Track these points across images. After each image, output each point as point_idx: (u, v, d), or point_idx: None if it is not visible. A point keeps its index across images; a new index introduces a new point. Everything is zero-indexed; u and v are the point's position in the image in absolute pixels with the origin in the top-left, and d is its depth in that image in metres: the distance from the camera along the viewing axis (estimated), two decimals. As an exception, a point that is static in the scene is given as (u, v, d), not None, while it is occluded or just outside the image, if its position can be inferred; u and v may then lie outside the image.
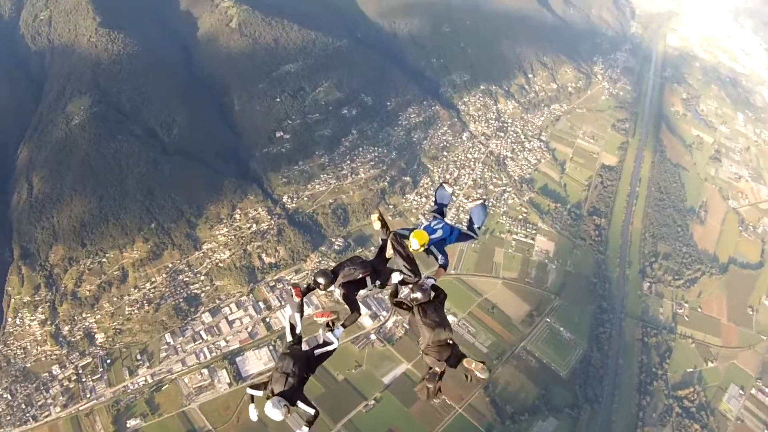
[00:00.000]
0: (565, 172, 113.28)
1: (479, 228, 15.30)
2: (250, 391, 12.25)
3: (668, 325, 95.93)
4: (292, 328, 13.40)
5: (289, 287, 13.16)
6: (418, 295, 12.61)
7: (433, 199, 16.27)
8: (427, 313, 12.51)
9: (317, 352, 13.03)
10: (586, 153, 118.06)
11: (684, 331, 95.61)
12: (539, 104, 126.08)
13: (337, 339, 13.15)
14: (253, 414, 12.36)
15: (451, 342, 12.37)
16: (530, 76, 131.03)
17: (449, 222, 14.75)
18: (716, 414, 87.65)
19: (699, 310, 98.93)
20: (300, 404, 11.89)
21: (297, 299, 13.26)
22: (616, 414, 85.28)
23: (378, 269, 14.08)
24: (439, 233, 14.09)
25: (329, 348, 13.17)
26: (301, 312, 13.59)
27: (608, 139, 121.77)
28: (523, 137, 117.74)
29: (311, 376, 12.71)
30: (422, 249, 13.49)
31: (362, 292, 14.12)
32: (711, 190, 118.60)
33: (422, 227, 14.05)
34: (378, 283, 14.00)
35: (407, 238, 13.51)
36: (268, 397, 11.61)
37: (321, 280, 13.42)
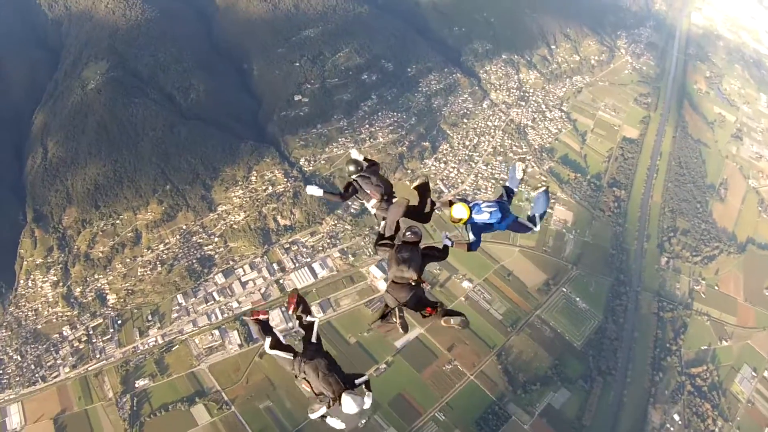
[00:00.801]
0: (585, 143, 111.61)
1: (541, 218, 14.68)
2: (331, 423, 12.37)
3: (684, 301, 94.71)
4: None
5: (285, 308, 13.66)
6: (408, 234, 13.11)
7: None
8: (401, 250, 12.83)
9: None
10: (608, 125, 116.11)
11: (700, 308, 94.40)
12: (561, 75, 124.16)
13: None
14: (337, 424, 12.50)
15: (413, 284, 12.62)
16: (553, 47, 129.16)
17: (507, 208, 14.27)
18: (728, 395, 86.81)
19: (716, 287, 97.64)
20: (357, 381, 12.30)
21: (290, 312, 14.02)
22: (628, 388, 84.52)
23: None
24: (485, 216, 13.77)
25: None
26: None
27: (630, 113, 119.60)
28: (544, 107, 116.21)
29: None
30: (460, 223, 13.76)
31: (368, 205, 14.66)
32: (731, 168, 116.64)
33: (472, 204, 13.86)
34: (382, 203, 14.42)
35: (454, 204, 13.82)
36: (333, 402, 12.03)
37: (352, 167, 14.63)
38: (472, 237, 13.93)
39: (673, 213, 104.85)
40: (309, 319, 13.89)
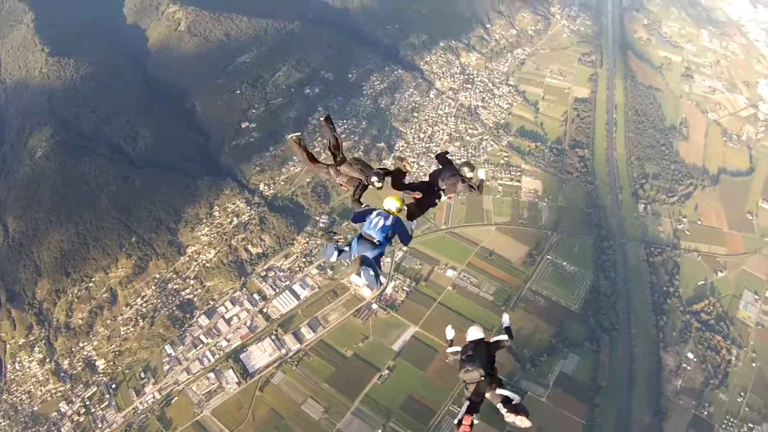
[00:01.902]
0: (539, 112, 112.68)
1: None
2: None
3: (671, 242, 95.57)
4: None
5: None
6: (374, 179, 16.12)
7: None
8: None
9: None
10: (557, 90, 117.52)
11: (688, 245, 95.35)
12: (502, 52, 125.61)
13: None
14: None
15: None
16: (488, 26, 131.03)
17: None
18: (735, 323, 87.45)
19: (699, 222, 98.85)
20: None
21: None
22: (636, 339, 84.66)
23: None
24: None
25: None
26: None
27: (576, 74, 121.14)
28: (491, 85, 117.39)
29: None
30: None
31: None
32: (688, 106, 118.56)
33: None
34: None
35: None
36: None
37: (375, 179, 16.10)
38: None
39: (640, 160, 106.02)
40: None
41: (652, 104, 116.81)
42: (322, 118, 16.18)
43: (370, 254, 14.40)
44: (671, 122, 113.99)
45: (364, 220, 15.25)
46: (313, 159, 16.91)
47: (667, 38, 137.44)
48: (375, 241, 14.66)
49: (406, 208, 16.09)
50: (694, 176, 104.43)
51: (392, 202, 15.38)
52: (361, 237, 14.86)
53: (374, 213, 15.20)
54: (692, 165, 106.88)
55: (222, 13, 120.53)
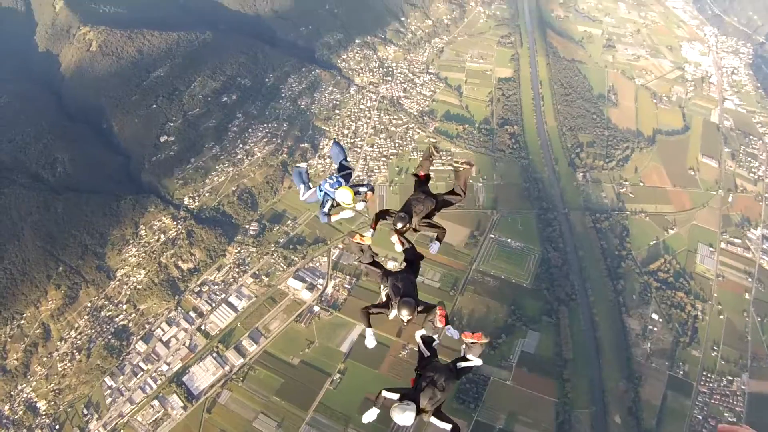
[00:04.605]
0: (463, 95, 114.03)
1: (345, 160, 17.13)
2: (385, 393, 12.80)
3: (616, 206, 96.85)
4: (427, 344, 14.38)
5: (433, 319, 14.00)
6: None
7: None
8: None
9: (461, 365, 13.68)
10: (479, 73, 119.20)
11: (633, 207, 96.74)
12: (419, 42, 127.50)
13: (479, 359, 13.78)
14: (369, 416, 13.00)
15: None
16: (403, 19, 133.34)
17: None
18: (695, 277, 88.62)
19: (641, 184, 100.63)
20: (434, 419, 12.60)
21: (441, 324, 14.06)
22: (595, 307, 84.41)
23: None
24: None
25: (474, 364, 13.76)
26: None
27: (497, 56, 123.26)
28: (411, 75, 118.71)
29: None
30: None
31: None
32: (614, 75, 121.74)
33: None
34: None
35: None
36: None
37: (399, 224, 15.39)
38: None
39: (573, 130, 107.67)
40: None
41: (577, 76, 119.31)
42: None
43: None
44: (599, 91, 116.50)
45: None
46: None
47: (584, 14, 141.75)
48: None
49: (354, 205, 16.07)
50: (630, 140, 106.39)
51: (346, 196, 15.57)
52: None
53: (330, 180, 16.16)
54: (626, 129, 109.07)
55: (133, 30, 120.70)
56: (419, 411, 12.40)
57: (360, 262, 15.86)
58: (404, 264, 15.77)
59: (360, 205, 16.38)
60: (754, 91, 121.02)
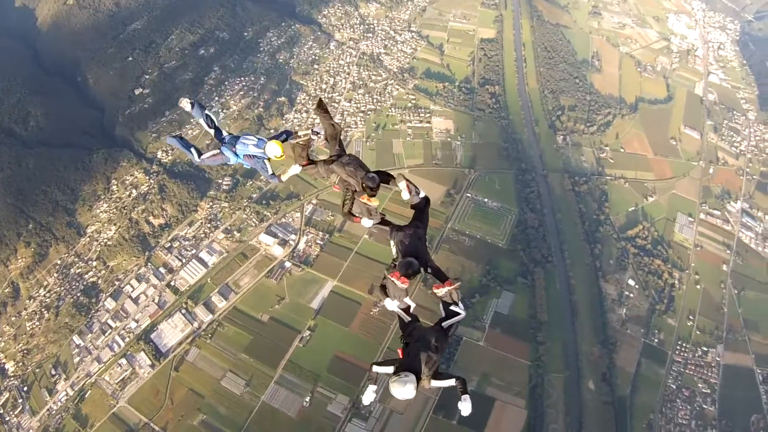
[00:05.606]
0: (444, 54, 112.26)
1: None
2: (376, 368, 12.28)
3: (595, 171, 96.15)
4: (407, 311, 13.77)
5: (393, 279, 13.02)
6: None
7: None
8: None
9: (446, 323, 13.17)
10: (462, 32, 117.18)
11: (613, 173, 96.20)
12: (402, 0, 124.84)
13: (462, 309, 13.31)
14: (369, 396, 12.35)
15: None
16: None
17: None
18: (673, 246, 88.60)
19: (622, 150, 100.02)
20: (435, 382, 12.06)
21: (404, 286, 13.20)
22: (572, 269, 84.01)
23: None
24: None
25: (459, 318, 13.25)
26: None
27: (481, 17, 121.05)
28: (393, 33, 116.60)
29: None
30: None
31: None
32: (599, 41, 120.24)
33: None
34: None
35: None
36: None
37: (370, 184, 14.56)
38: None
39: (554, 93, 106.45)
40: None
41: (561, 41, 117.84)
42: (314, 105, 13.62)
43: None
44: (583, 56, 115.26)
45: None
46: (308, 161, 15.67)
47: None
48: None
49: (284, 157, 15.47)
50: (612, 106, 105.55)
51: (275, 149, 15.10)
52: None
53: (251, 141, 15.64)
54: (608, 95, 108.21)
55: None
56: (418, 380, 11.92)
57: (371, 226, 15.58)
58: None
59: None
60: (740, 67, 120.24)
